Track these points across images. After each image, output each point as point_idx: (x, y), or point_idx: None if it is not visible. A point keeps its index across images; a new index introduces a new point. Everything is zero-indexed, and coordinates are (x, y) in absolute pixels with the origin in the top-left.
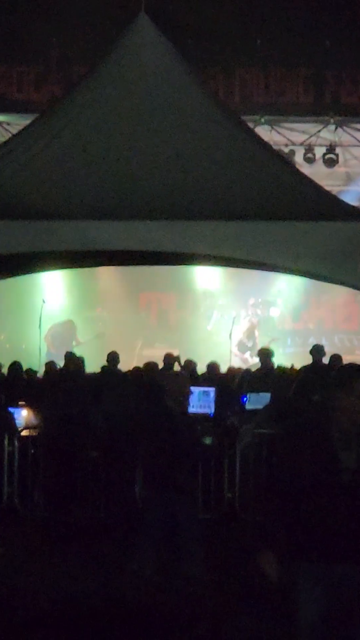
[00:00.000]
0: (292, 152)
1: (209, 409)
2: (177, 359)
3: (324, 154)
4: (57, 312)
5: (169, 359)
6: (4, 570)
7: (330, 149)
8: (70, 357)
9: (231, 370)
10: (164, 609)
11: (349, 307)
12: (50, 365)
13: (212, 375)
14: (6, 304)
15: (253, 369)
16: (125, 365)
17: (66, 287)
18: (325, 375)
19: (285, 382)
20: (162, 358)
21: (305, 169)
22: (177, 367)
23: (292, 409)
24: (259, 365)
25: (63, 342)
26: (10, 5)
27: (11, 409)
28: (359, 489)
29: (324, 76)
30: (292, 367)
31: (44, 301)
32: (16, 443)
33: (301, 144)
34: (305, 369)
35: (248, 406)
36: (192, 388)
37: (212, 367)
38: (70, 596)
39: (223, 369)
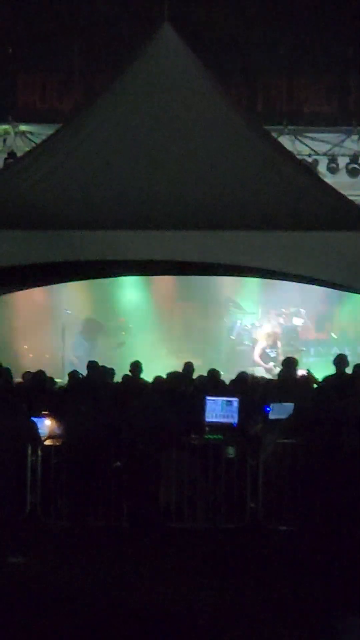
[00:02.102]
0: (316, 162)
1: (233, 419)
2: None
3: (348, 164)
4: (80, 322)
5: (189, 368)
6: (27, 579)
7: (354, 158)
8: (93, 366)
9: (254, 379)
10: (186, 617)
11: None
12: (73, 374)
13: (244, 384)
14: (29, 314)
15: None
16: (148, 375)
17: (89, 297)
18: (349, 385)
19: (309, 391)
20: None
21: (329, 179)
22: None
23: (315, 419)
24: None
25: (85, 352)
26: (33, 15)
27: (34, 419)
28: None
29: (348, 86)
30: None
31: (67, 311)
32: (39, 453)
33: (324, 154)
34: (328, 378)
35: (271, 416)
36: (216, 398)
37: (243, 377)
38: (92, 604)
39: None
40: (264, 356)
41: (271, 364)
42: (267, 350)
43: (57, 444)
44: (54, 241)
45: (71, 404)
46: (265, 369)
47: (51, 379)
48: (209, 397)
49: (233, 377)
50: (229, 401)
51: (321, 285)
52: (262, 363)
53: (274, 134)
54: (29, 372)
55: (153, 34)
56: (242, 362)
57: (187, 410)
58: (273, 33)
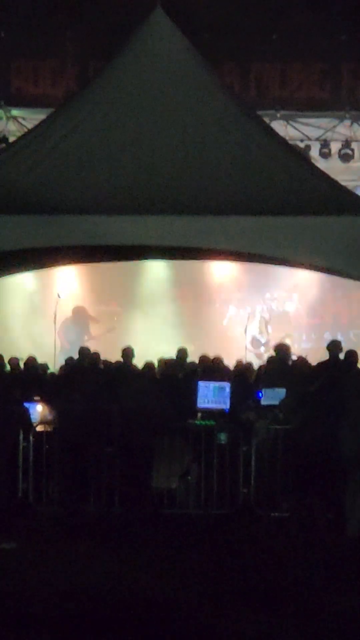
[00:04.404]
0: (308, 147)
1: (224, 404)
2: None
3: (340, 149)
4: (72, 307)
5: (182, 354)
6: (18, 565)
7: (346, 144)
8: (84, 352)
9: (239, 364)
10: (177, 602)
11: None
12: (68, 361)
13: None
14: (21, 298)
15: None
16: (140, 360)
17: (81, 282)
18: (343, 371)
19: (304, 377)
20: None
21: (321, 164)
22: None
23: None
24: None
25: (76, 337)
26: (26, 0)
27: (26, 404)
28: None
29: (340, 71)
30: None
31: (59, 296)
32: (31, 438)
33: (317, 139)
34: (325, 365)
35: (263, 402)
36: (207, 383)
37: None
38: (84, 590)
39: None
40: (255, 342)
41: (261, 349)
42: (257, 337)
43: (49, 429)
44: (47, 226)
45: (63, 389)
46: (256, 355)
47: (43, 364)
48: (201, 382)
49: (226, 362)
50: (221, 387)
51: (313, 270)
52: (252, 349)
53: (266, 119)
54: (15, 357)
55: (145, 19)
56: (234, 347)
57: (179, 396)
58: (266, 18)
